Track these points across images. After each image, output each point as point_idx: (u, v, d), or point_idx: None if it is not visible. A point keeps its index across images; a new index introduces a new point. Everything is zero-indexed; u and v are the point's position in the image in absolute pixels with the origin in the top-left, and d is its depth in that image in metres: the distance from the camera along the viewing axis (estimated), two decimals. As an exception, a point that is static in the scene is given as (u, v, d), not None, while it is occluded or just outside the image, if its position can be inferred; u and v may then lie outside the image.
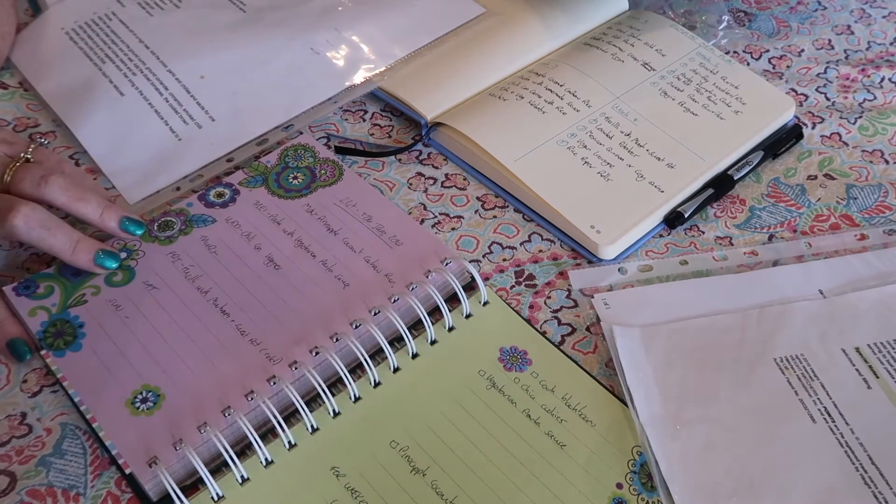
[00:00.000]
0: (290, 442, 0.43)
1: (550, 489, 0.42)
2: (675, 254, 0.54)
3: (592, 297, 0.51)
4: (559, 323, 0.50)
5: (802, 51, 0.70)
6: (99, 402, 0.43)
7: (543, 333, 0.49)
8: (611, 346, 0.47)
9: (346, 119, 0.62)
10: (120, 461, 0.41)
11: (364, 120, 0.62)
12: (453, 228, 0.55)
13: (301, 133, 0.60)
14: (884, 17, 0.74)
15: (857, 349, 0.48)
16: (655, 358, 0.47)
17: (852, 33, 0.72)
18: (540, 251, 0.54)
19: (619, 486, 0.42)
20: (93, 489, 0.41)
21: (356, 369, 0.46)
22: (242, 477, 0.41)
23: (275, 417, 0.42)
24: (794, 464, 0.43)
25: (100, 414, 0.42)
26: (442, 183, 0.58)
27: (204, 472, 0.40)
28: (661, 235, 0.55)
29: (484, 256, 0.53)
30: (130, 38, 0.64)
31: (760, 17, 0.74)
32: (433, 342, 0.47)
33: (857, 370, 0.47)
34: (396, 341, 0.47)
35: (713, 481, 0.42)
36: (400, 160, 0.59)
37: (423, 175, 0.58)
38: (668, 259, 0.53)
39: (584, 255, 0.53)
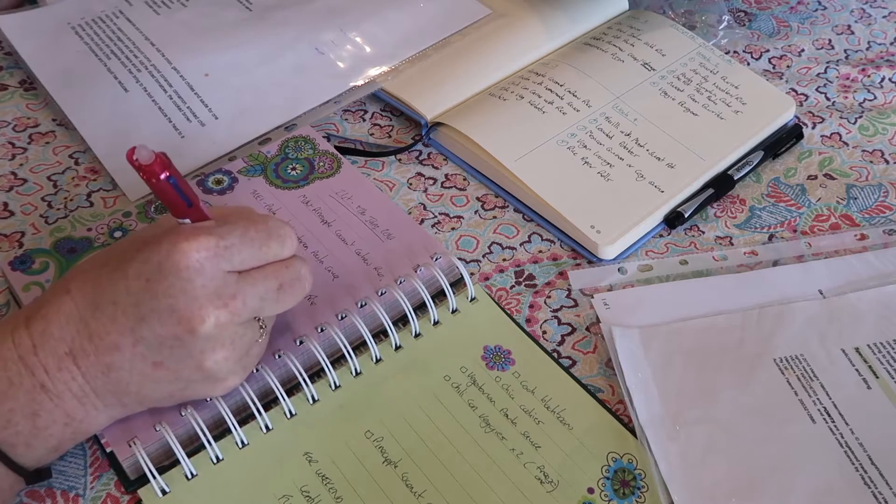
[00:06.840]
0: (266, 426, 0.43)
1: (521, 490, 0.42)
2: (675, 254, 0.54)
3: (592, 296, 0.51)
4: (559, 322, 0.50)
5: (802, 51, 0.70)
6: None
7: (543, 333, 0.49)
8: (610, 347, 0.47)
9: (346, 119, 0.62)
10: (102, 440, 0.41)
11: (364, 120, 0.62)
12: (453, 228, 0.55)
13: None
14: (884, 16, 0.74)
15: (857, 349, 0.48)
16: (655, 358, 0.47)
17: (852, 33, 0.72)
18: (540, 251, 0.54)
19: (591, 490, 0.42)
20: (92, 490, 0.41)
21: (339, 359, 0.46)
22: (217, 457, 0.42)
23: (253, 403, 0.42)
24: (794, 464, 0.43)
25: None
26: (442, 183, 0.58)
27: (178, 450, 0.40)
28: (661, 235, 0.55)
29: (484, 256, 0.53)
30: (136, 35, 0.64)
31: (760, 17, 0.74)
32: (417, 335, 0.47)
33: (856, 370, 0.47)
34: (382, 333, 0.47)
35: (713, 481, 0.42)
36: (400, 160, 0.59)
37: (423, 175, 0.58)
38: (668, 259, 0.53)
39: (584, 255, 0.53)
